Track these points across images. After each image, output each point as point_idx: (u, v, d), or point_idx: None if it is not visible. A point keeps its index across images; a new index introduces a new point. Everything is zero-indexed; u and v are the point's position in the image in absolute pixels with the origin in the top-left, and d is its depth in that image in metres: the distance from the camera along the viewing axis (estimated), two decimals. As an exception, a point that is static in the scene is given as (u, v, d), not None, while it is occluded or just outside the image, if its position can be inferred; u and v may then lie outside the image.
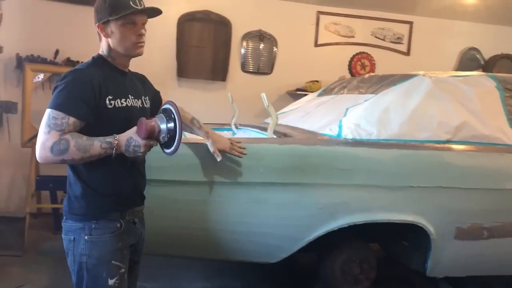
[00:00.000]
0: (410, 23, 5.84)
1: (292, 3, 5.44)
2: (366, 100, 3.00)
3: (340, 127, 2.82)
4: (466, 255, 2.83)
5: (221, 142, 2.29)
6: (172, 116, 1.65)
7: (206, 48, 5.26)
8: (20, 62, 4.46)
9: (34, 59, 4.52)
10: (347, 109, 3.01)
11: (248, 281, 3.46)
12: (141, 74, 2.06)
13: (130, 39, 1.76)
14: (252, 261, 2.67)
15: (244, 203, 2.48)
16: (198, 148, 2.36)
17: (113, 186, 1.77)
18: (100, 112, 1.70)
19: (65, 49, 4.66)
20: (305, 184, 2.53)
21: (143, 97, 1.91)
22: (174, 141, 1.64)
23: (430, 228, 2.69)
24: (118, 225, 1.78)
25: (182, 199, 2.42)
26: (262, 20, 5.41)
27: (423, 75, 3.03)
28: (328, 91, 3.85)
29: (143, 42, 1.81)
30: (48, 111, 1.63)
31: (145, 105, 1.91)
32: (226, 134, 3.70)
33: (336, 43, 5.67)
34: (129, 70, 1.92)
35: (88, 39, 4.89)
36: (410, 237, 2.95)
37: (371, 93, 3.12)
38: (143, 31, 1.79)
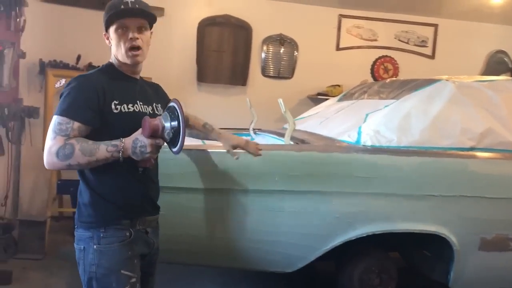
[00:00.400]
0: (435, 25, 5.72)
1: (313, 6, 5.38)
2: (386, 106, 2.93)
3: (359, 133, 2.75)
4: (491, 267, 2.73)
5: (235, 138, 2.23)
6: (176, 113, 1.61)
7: (226, 52, 5.24)
8: (43, 68, 4.52)
9: (57, 65, 4.57)
10: (367, 115, 2.94)
11: (265, 289, 3.42)
12: (155, 83, 2.04)
13: (124, 44, 1.72)
14: (268, 271, 2.62)
15: (259, 211, 2.44)
16: (212, 155, 2.34)
17: (122, 194, 1.74)
18: (106, 117, 1.68)
19: (87, 55, 4.69)
20: (322, 192, 2.48)
21: (154, 104, 1.88)
22: (179, 138, 1.60)
23: (452, 238, 2.60)
24: (128, 233, 1.75)
25: (196, 207, 2.40)
26: (282, 24, 5.36)
27: (446, 80, 2.94)
28: (348, 96, 3.79)
29: (138, 46, 1.73)
30: (54, 117, 1.64)
31: (156, 112, 1.86)
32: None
33: (358, 47, 5.58)
34: (140, 78, 1.90)
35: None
36: (432, 246, 2.86)
37: (392, 98, 3.04)
38: (135, 34, 1.72)
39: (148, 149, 1.59)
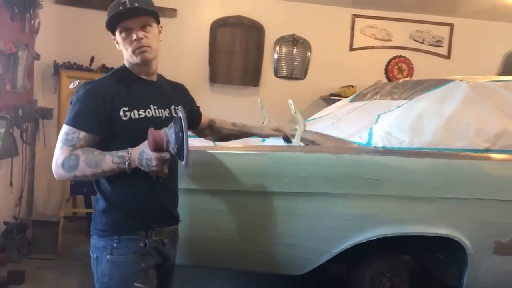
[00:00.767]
0: (451, 25, 5.62)
1: (326, 6, 5.34)
2: (398, 107, 2.88)
3: (370, 134, 2.71)
4: (506, 272, 2.66)
5: (268, 125, 2.34)
6: (180, 123, 1.52)
7: (238, 53, 5.23)
8: (57, 69, 4.56)
9: (70, 66, 4.62)
10: (378, 116, 2.90)
11: (276, 291, 3.39)
12: (179, 83, 1.97)
13: (130, 46, 1.67)
14: (277, 273, 2.60)
15: (268, 214, 2.41)
16: (220, 157, 2.32)
17: (135, 204, 1.69)
18: (114, 124, 1.63)
19: (100, 56, 4.73)
20: (332, 194, 2.44)
21: (173, 106, 1.80)
22: (183, 152, 1.50)
23: (466, 242, 2.54)
24: (142, 244, 1.69)
25: (205, 209, 2.38)
26: (295, 25, 5.33)
27: (460, 80, 2.89)
28: (360, 96, 3.74)
29: (144, 46, 1.67)
30: (63, 127, 1.62)
31: (174, 115, 1.78)
32: (256, 140, 3.65)
33: (372, 47, 5.53)
34: (160, 78, 1.84)
35: (122, 46, 5.03)
36: (445, 250, 2.81)
37: (405, 99, 2.99)
38: (142, 35, 1.66)
39: (154, 163, 1.52)
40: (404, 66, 5.58)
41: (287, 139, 2.34)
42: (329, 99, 5.21)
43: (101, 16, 5.18)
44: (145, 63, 1.72)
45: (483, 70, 5.01)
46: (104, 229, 1.69)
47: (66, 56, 4.66)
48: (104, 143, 1.63)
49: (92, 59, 4.69)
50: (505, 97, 2.84)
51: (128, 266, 1.66)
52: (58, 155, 1.59)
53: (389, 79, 5.49)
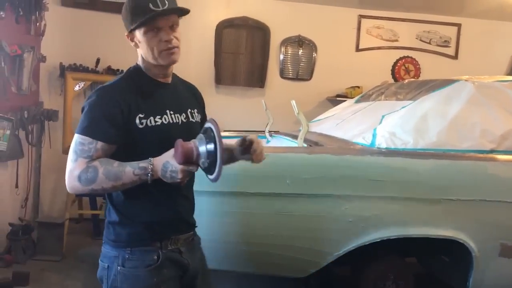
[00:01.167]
0: (458, 25, 5.58)
1: (332, 7, 5.32)
2: (403, 107, 2.85)
3: (374, 135, 2.69)
4: (513, 274, 2.62)
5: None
6: (212, 136, 1.41)
7: (244, 54, 5.23)
8: (63, 71, 4.58)
9: (76, 68, 4.64)
10: (383, 117, 2.87)
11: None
12: (192, 84, 1.85)
13: (157, 47, 1.54)
14: (279, 276, 2.58)
15: (270, 215, 2.40)
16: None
17: (151, 215, 1.60)
18: (131, 133, 1.52)
19: (106, 58, 4.76)
20: (334, 195, 2.42)
21: (189, 110, 1.69)
22: (215, 167, 1.39)
23: (471, 244, 2.50)
24: (155, 257, 1.58)
25: (205, 210, 2.36)
26: (301, 26, 5.32)
27: (466, 81, 2.85)
28: (365, 97, 3.72)
29: (174, 47, 1.56)
30: (75, 136, 1.50)
31: (190, 119, 1.67)
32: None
33: (379, 48, 5.49)
34: (175, 78, 1.73)
35: (128, 48, 5.01)
36: (451, 252, 2.77)
37: (410, 99, 2.97)
38: (172, 35, 1.55)
39: (179, 175, 1.41)
40: (411, 67, 5.54)
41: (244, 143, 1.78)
42: (335, 100, 5.18)
43: (107, 18, 5.23)
44: (172, 64, 1.61)
45: (491, 71, 4.96)
46: (117, 240, 1.60)
47: (72, 58, 4.68)
48: (120, 152, 1.52)
49: (98, 61, 4.71)
50: (511, 97, 2.80)
51: (139, 281, 1.58)
52: (73, 167, 1.46)
53: (396, 79, 5.45)
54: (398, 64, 5.53)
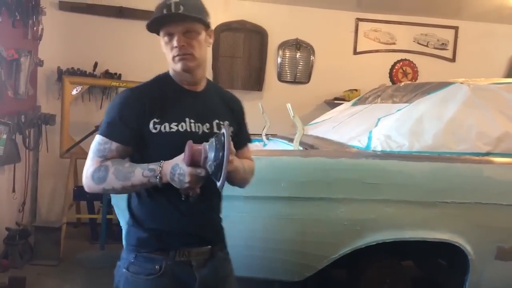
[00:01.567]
0: (456, 28, 5.58)
1: (329, 10, 5.32)
2: (398, 110, 2.85)
3: (369, 138, 2.69)
4: (509, 277, 2.61)
5: None
6: (222, 141, 1.37)
7: (242, 58, 5.23)
8: (61, 75, 4.58)
9: (74, 72, 4.65)
10: (379, 119, 2.87)
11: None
12: (235, 97, 1.78)
13: (171, 53, 1.55)
14: (274, 279, 2.57)
15: (265, 219, 2.40)
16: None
17: (157, 221, 1.57)
18: (144, 137, 1.52)
19: (104, 62, 4.76)
20: (329, 199, 2.41)
21: (216, 121, 1.61)
22: (221, 172, 1.35)
23: (467, 247, 2.49)
24: (158, 267, 1.54)
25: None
26: (298, 29, 5.32)
27: (461, 83, 2.85)
28: (362, 100, 3.72)
29: (185, 54, 1.53)
30: (96, 136, 1.54)
31: (215, 130, 1.60)
32: (257, 145, 3.64)
33: (376, 51, 5.50)
34: (213, 88, 1.70)
35: (125, 52, 5.06)
36: (447, 255, 2.76)
37: (405, 102, 2.97)
38: (184, 41, 1.52)
39: (187, 179, 1.39)
40: (409, 70, 5.54)
41: None
42: (333, 103, 5.17)
43: (104, 23, 5.23)
44: (186, 71, 1.57)
45: (488, 73, 4.97)
46: (128, 243, 1.62)
47: (69, 62, 4.69)
48: (138, 156, 1.54)
49: (96, 65, 4.72)
50: (507, 100, 2.80)
51: None
52: (89, 165, 1.51)
53: (393, 82, 5.44)
54: (396, 67, 5.53)
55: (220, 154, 1.35)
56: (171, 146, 1.48)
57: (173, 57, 1.54)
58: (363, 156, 2.54)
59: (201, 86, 1.65)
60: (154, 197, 1.54)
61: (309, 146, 2.81)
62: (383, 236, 2.44)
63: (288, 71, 5.37)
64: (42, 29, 4.30)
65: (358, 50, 5.46)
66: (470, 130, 2.66)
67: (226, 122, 1.53)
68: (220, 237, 1.70)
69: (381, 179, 2.45)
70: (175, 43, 1.52)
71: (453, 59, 5.62)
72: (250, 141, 1.83)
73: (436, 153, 2.57)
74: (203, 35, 1.58)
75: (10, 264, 3.64)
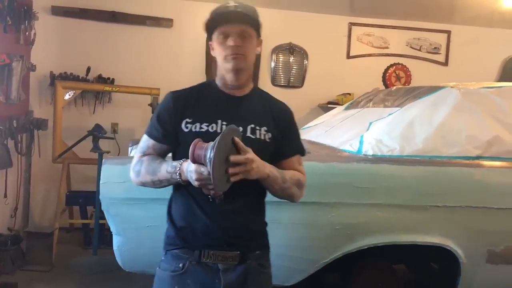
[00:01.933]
0: (448, 32, 5.60)
1: (323, 15, 5.33)
2: (390, 114, 2.86)
3: (361, 142, 2.69)
4: (500, 281, 2.62)
5: None
6: (216, 141, 1.38)
7: (235, 62, 5.22)
8: (53, 80, 4.57)
9: (67, 77, 4.64)
10: (370, 123, 2.88)
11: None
12: (284, 108, 1.75)
13: (224, 51, 1.58)
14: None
15: (256, 223, 2.38)
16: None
17: (184, 220, 1.61)
18: (178, 136, 1.61)
19: (96, 67, 4.76)
20: (321, 203, 2.41)
21: (251, 125, 1.61)
22: (211, 175, 1.37)
23: (458, 251, 2.50)
24: (181, 265, 1.58)
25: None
26: (292, 33, 5.33)
27: (452, 87, 2.86)
28: (354, 104, 3.73)
29: (238, 54, 1.56)
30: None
31: (248, 134, 1.59)
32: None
33: (369, 55, 5.51)
34: (258, 95, 1.72)
35: (118, 56, 5.06)
36: (439, 259, 2.77)
37: (397, 106, 2.97)
38: (238, 43, 1.56)
39: (194, 176, 1.43)
40: (402, 74, 5.56)
41: None
42: (327, 107, 5.18)
43: (97, 27, 5.22)
44: (235, 71, 1.60)
45: (481, 77, 4.99)
46: (164, 241, 1.69)
47: (62, 67, 4.69)
48: (176, 154, 1.65)
49: (89, 69, 4.71)
50: (497, 104, 2.81)
51: (163, 283, 1.63)
52: (133, 160, 1.66)
53: (386, 86, 5.45)
54: (389, 71, 5.54)
55: (211, 154, 1.35)
56: None
57: (226, 56, 1.58)
58: (354, 160, 2.54)
59: (244, 92, 1.68)
60: (184, 196, 1.60)
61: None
62: (375, 240, 2.44)
63: (281, 75, 5.38)
64: (35, 33, 4.30)
65: (351, 54, 5.47)
66: (460, 134, 2.66)
67: (233, 125, 1.53)
68: (256, 244, 1.66)
69: (372, 183, 2.45)
70: (231, 42, 1.56)
71: (445, 63, 5.64)
72: (300, 152, 1.80)
73: (427, 157, 2.58)
74: (254, 40, 1.64)
75: (1, 270, 3.62)
